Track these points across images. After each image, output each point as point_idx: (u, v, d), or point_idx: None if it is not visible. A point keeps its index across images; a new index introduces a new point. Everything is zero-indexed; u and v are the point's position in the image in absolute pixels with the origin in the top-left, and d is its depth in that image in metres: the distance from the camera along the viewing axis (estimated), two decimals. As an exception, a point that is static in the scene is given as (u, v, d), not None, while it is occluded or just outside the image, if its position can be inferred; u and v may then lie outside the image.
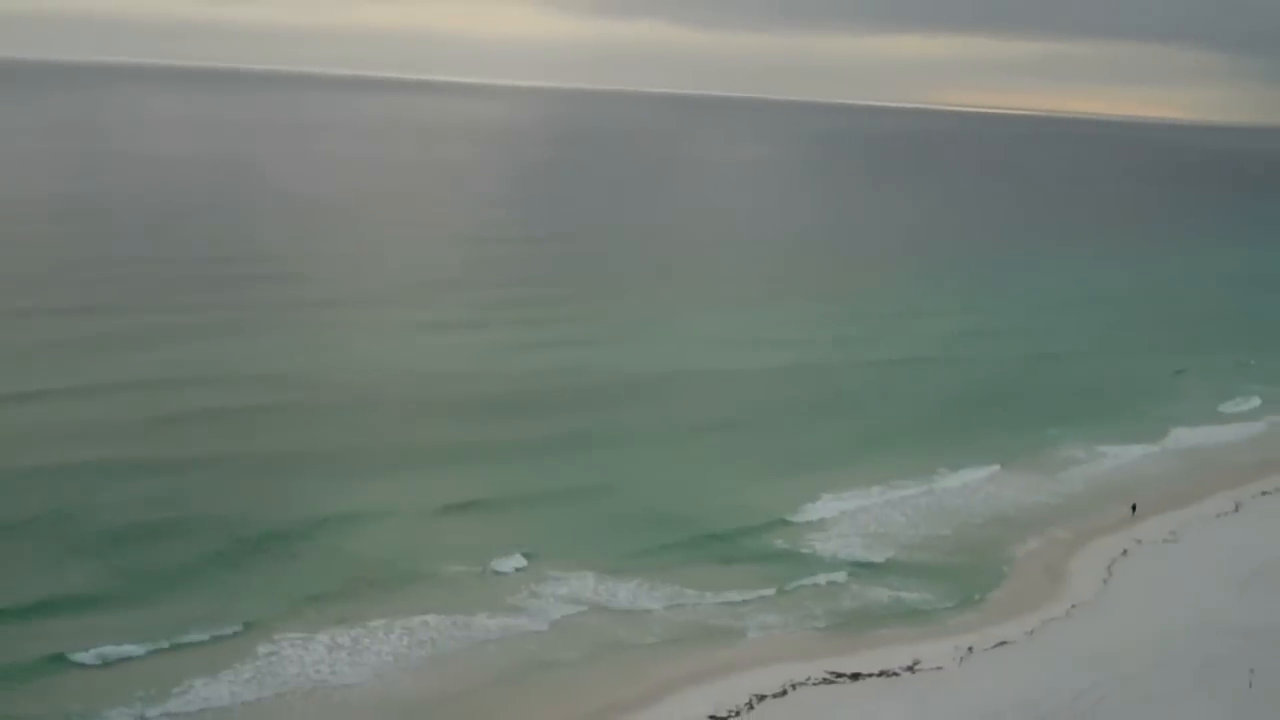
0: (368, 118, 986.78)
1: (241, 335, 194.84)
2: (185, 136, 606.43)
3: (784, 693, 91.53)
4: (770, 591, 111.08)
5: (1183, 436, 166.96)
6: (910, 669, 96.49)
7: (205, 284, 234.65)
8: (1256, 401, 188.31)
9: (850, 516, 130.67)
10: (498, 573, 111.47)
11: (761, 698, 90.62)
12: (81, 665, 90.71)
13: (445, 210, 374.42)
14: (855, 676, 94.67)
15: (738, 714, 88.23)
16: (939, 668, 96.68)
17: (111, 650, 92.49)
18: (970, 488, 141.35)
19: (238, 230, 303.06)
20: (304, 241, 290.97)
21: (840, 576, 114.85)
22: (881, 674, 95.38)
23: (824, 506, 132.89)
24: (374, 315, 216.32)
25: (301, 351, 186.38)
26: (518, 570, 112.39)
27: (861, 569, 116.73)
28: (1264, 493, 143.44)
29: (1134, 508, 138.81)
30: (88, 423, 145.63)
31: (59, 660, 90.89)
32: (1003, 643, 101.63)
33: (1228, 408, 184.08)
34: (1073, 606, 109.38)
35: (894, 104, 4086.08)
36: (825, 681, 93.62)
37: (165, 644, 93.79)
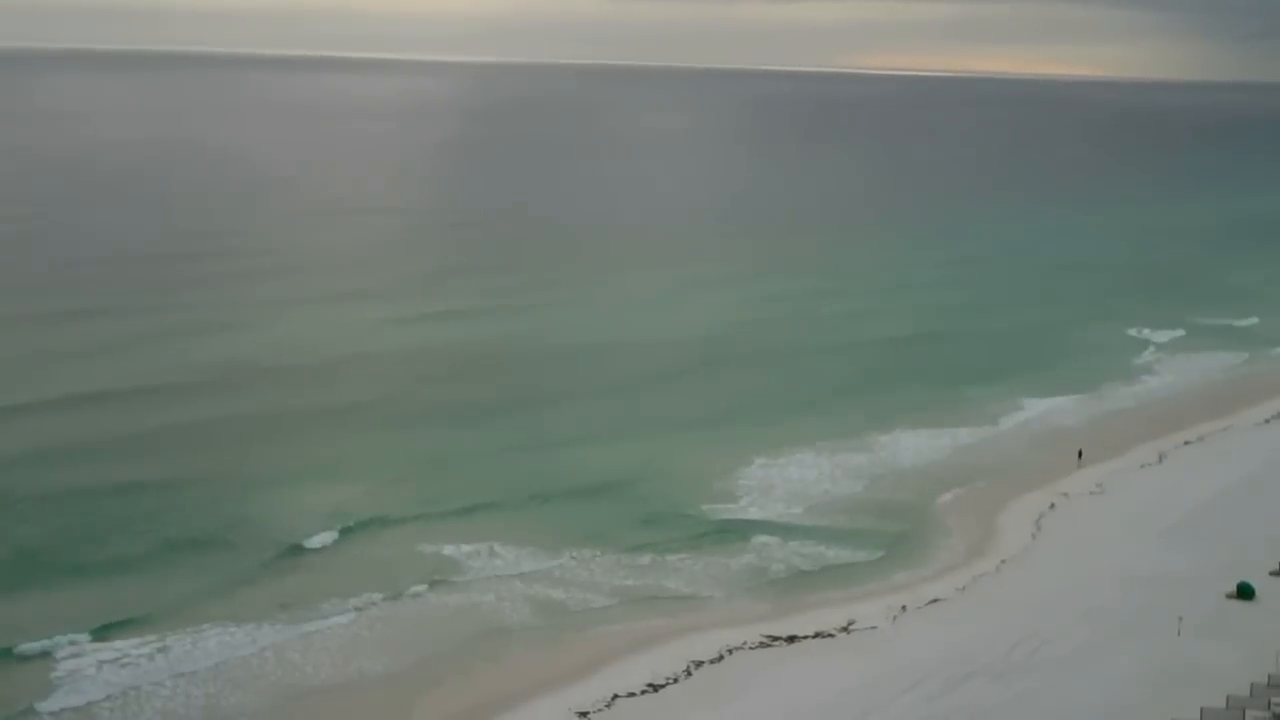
0: (295, 97, 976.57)
1: (169, 314, 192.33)
2: (101, 122, 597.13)
3: (721, 658, 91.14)
4: (705, 555, 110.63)
5: (1107, 389, 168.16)
6: (845, 630, 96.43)
7: (132, 262, 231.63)
8: (1176, 353, 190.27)
9: (783, 480, 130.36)
10: (431, 545, 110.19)
11: (699, 664, 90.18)
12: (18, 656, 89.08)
13: (371, 187, 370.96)
14: (791, 639, 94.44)
15: (676, 681, 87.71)
16: (873, 627, 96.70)
17: (45, 641, 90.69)
18: (901, 447, 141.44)
19: (162, 212, 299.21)
20: (227, 221, 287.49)
21: (774, 540, 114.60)
22: (817, 635, 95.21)
23: (757, 471, 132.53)
24: (297, 289, 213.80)
25: (228, 329, 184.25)
26: (452, 542, 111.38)
27: (795, 532, 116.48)
28: (1186, 443, 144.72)
29: (1080, 454, 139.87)
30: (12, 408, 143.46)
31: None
32: (935, 600, 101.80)
33: (1150, 360, 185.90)
34: (1003, 562, 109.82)
35: (809, 69, 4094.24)
36: (762, 645, 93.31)
37: (98, 632, 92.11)
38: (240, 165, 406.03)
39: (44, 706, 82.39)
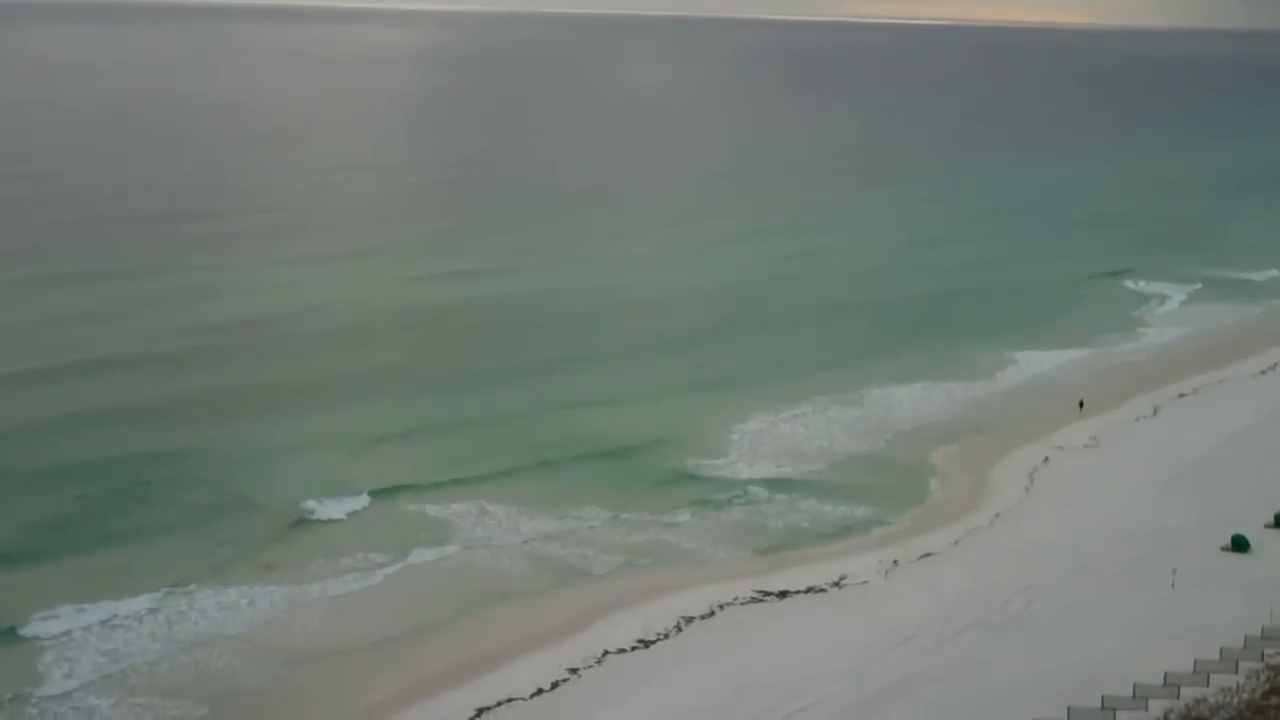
0: (285, 48, 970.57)
1: (163, 274, 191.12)
2: (92, 76, 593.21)
3: (712, 613, 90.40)
4: (698, 513, 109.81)
5: (1105, 343, 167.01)
6: (837, 584, 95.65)
7: (132, 223, 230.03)
8: (1174, 306, 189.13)
9: (777, 436, 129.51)
10: (432, 509, 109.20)
11: (690, 619, 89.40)
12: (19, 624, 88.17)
13: (371, 142, 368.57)
14: (783, 594, 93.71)
15: (666, 637, 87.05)
16: (865, 582, 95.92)
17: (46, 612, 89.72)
18: (896, 401, 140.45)
19: (162, 169, 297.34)
20: (228, 178, 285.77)
21: (767, 495, 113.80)
22: (809, 591, 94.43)
23: (752, 428, 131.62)
24: (300, 249, 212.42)
25: (230, 292, 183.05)
26: (451, 506, 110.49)
27: (789, 486, 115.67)
28: (1182, 395, 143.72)
29: (1081, 404, 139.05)
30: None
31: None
32: (928, 554, 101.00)
33: (1146, 313, 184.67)
34: (996, 515, 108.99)
35: (811, 18, 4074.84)
36: (753, 600, 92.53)
37: (98, 603, 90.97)
38: (237, 120, 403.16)
39: (44, 680, 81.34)
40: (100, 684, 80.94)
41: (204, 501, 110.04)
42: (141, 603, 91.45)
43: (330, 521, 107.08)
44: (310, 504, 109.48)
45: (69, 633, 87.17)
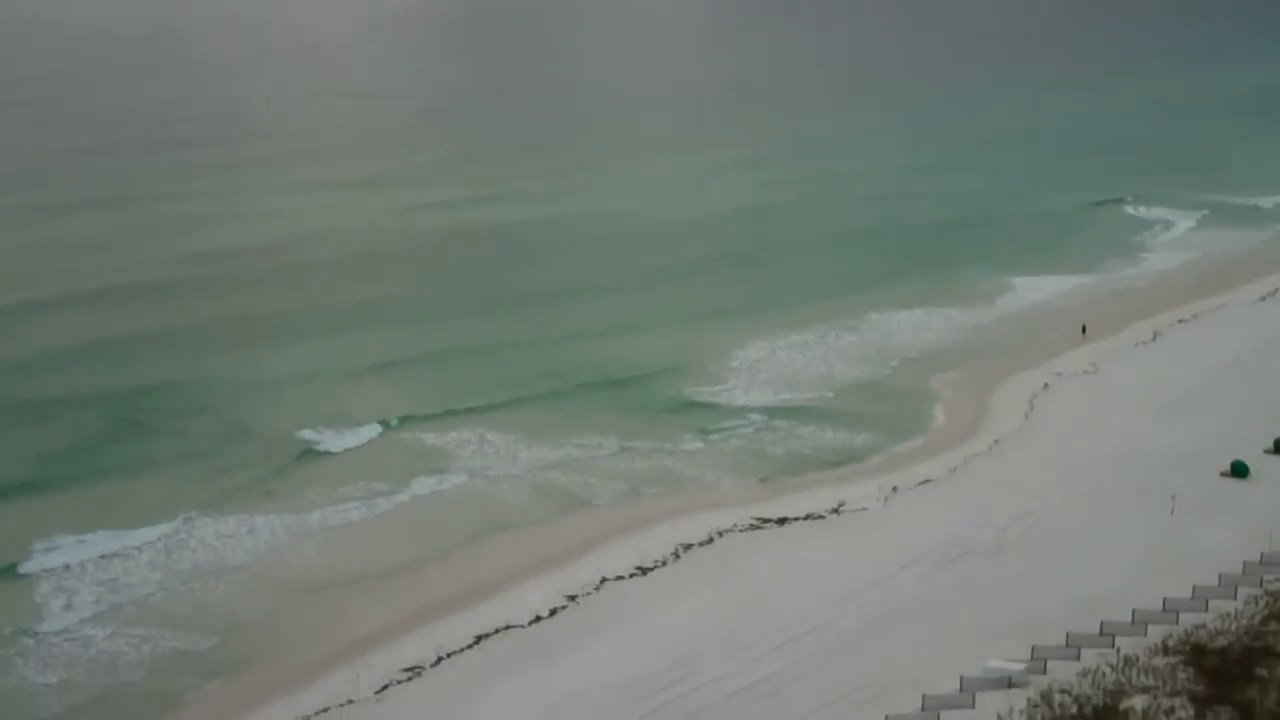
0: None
1: (162, 202, 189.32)
2: None
3: (711, 540, 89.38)
4: (698, 440, 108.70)
5: (1104, 269, 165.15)
6: (836, 511, 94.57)
7: (121, 150, 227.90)
8: (1176, 232, 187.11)
9: (777, 362, 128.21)
10: (436, 439, 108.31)
11: (688, 546, 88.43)
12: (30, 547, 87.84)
13: (377, 66, 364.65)
14: (782, 521, 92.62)
15: (665, 564, 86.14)
16: (864, 509, 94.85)
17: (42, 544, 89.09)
18: (896, 328, 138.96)
19: (162, 94, 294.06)
20: (231, 104, 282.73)
21: (767, 422, 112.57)
22: (808, 517, 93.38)
23: (752, 353, 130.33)
24: (290, 175, 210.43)
25: (235, 219, 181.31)
26: (443, 429, 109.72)
27: (788, 414, 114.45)
28: (1181, 321, 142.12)
29: (1084, 329, 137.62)
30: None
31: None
32: (927, 481, 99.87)
33: (1148, 239, 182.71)
34: (995, 442, 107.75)
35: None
36: (752, 528, 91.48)
37: (104, 532, 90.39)
38: (238, 42, 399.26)
39: (43, 612, 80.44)
40: (100, 616, 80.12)
41: (205, 432, 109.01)
42: (142, 534, 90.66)
43: (331, 451, 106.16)
44: (312, 434, 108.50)
45: (69, 565, 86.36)
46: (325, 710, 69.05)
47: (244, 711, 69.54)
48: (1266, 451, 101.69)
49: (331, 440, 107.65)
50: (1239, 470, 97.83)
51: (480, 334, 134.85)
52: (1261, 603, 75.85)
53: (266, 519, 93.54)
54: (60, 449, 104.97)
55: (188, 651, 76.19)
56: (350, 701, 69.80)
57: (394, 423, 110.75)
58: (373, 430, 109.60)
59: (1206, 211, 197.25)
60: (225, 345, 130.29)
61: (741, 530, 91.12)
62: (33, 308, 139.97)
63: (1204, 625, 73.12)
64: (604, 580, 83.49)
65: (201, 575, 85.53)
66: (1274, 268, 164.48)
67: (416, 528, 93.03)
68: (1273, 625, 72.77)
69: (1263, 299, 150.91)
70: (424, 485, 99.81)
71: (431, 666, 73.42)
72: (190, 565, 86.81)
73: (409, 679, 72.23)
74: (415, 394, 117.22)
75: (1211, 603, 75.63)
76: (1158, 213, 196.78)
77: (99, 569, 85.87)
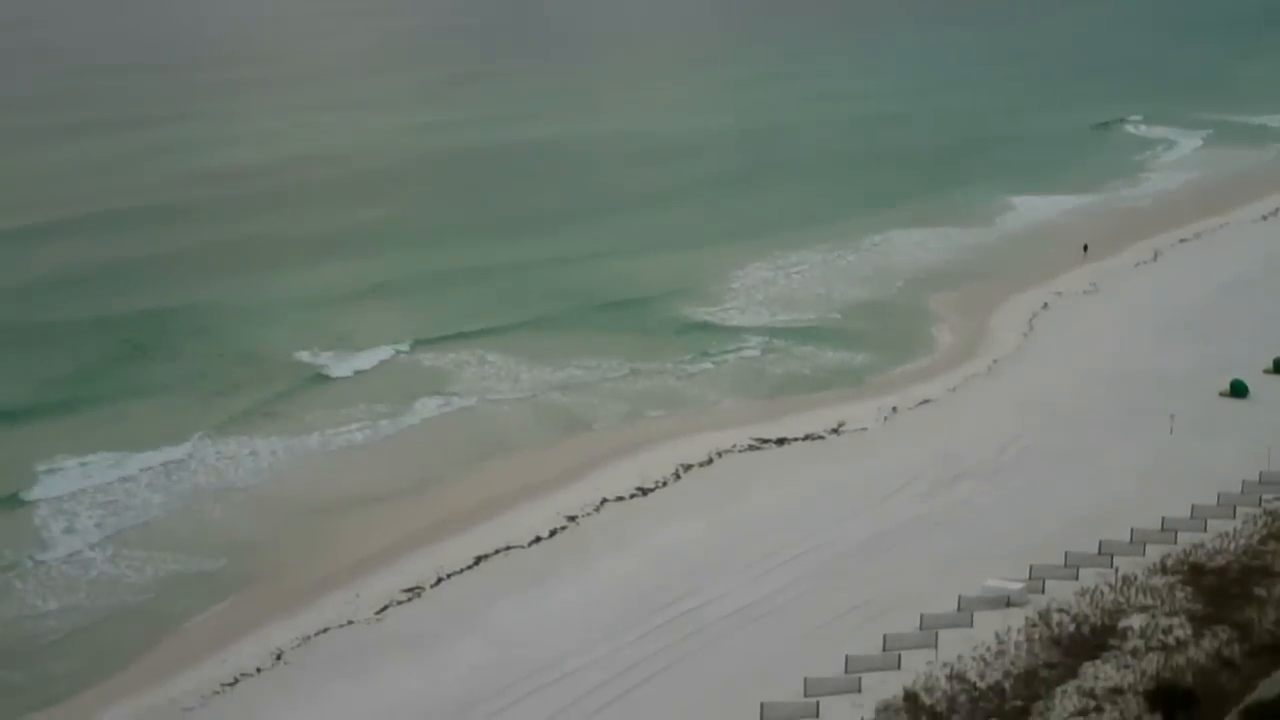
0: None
1: (161, 125, 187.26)
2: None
3: (710, 461, 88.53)
4: (698, 362, 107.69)
5: (1105, 188, 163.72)
6: (835, 431, 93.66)
7: (117, 73, 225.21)
8: (1179, 151, 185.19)
9: (778, 283, 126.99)
10: (424, 356, 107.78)
11: (688, 467, 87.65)
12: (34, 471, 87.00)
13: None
14: (781, 442, 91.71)
15: (664, 484, 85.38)
16: (863, 429, 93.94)
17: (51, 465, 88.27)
18: (896, 249, 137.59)
19: (162, 15, 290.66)
20: (230, 26, 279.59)
21: (767, 343, 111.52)
22: (807, 438, 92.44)
23: (752, 274, 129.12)
24: (290, 98, 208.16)
25: (238, 142, 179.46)
26: (444, 352, 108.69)
27: (788, 334, 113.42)
28: (1182, 240, 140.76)
29: (1085, 247, 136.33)
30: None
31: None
32: (926, 401, 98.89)
33: (1150, 158, 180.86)
34: (994, 362, 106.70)
35: None
36: (751, 448, 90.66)
37: (109, 456, 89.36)
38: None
39: (45, 535, 79.65)
40: (102, 540, 79.15)
41: (207, 356, 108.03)
42: (145, 457, 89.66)
43: (334, 374, 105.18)
44: (315, 357, 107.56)
45: (71, 488, 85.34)
46: (325, 630, 68.53)
47: (245, 632, 68.93)
48: (1266, 371, 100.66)
49: (334, 364, 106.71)
50: (1238, 390, 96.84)
51: (482, 257, 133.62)
52: (1260, 522, 75.01)
53: (268, 442, 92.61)
54: (63, 373, 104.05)
55: (189, 574, 75.50)
56: (350, 622, 69.25)
57: (397, 346, 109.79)
58: (375, 354, 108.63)
59: (1211, 131, 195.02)
60: (227, 269, 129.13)
61: (741, 451, 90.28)
62: (34, 232, 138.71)
63: (1202, 545, 72.32)
64: (604, 501, 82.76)
65: (204, 498, 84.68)
66: (1277, 187, 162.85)
67: (418, 450, 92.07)
68: (1271, 545, 71.94)
69: (1264, 218, 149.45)
70: (426, 408, 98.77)
71: (431, 587, 72.82)
72: (192, 488, 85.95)
73: (409, 599, 71.63)
74: (417, 317, 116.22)
75: (1210, 522, 74.84)
76: (1161, 132, 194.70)
77: (101, 492, 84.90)
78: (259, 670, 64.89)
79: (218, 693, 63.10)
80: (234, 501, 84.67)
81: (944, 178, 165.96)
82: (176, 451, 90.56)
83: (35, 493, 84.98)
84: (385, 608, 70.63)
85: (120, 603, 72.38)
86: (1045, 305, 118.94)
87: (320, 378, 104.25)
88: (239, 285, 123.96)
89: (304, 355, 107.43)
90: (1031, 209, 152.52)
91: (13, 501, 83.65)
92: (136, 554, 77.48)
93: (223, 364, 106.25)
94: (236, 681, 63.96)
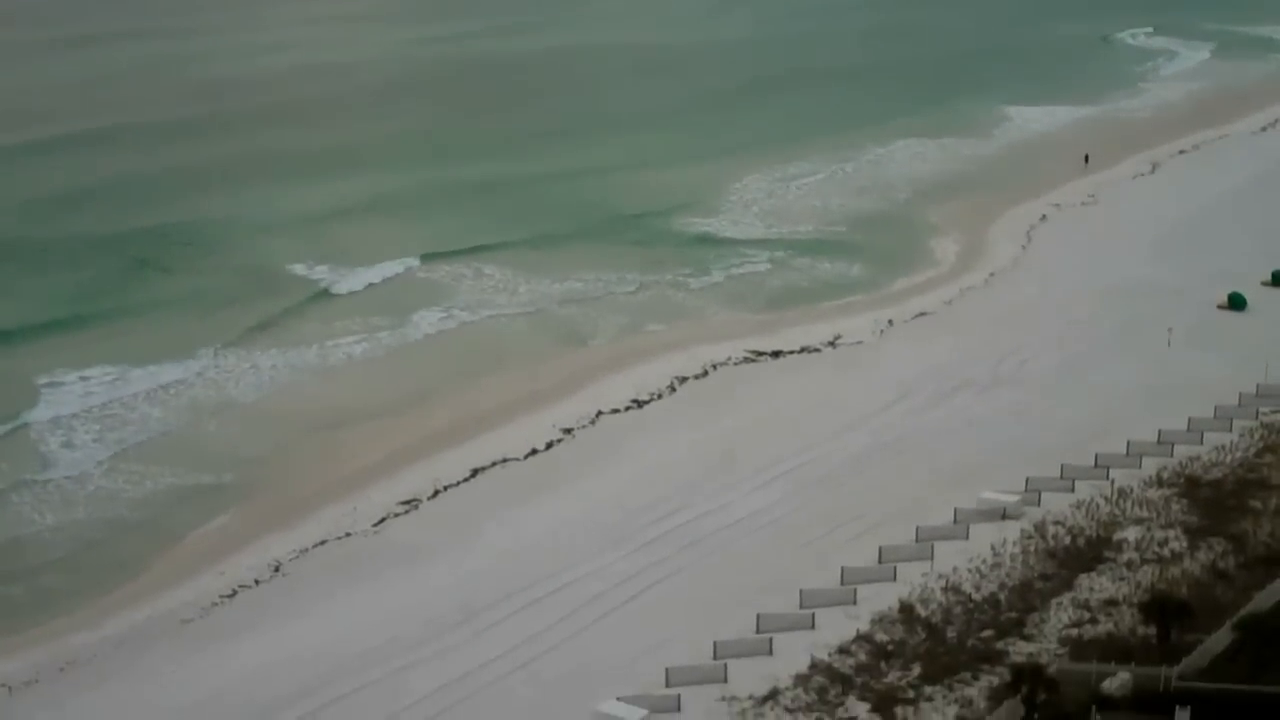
0: None
1: (165, 38, 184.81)
2: None
3: (705, 374, 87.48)
4: (694, 275, 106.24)
5: (1104, 100, 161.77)
6: (831, 344, 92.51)
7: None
8: (1180, 65, 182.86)
9: (775, 196, 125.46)
10: (424, 270, 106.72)
11: (683, 380, 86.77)
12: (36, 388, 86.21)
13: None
14: (777, 354, 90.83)
15: (659, 397, 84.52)
16: (859, 342, 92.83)
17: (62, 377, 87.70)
18: (894, 161, 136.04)
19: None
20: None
21: (763, 256, 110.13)
22: (803, 350, 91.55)
23: (749, 187, 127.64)
24: (293, 9, 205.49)
25: (240, 55, 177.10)
26: (444, 266, 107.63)
27: (785, 247, 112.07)
28: (1181, 152, 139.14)
29: (1086, 158, 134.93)
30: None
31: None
32: (923, 314, 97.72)
33: (1150, 70, 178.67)
34: (991, 274, 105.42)
35: None
36: (746, 361, 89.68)
37: (114, 370, 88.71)
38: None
39: (45, 450, 79.16)
40: (101, 455, 78.29)
41: (207, 271, 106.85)
42: (145, 372, 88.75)
43: (335, 289, 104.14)
44: (313, 271, 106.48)
45: (71, 404, 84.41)
46: (323, 543, 68.08)
47: (243, 545, 68.45)
48: (1264, 284, 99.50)
49: (335, 278, 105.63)
50: (1236, 302, 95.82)
51: (484, 172, 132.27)
52: (1256, 435, 74.16)
53: (268, 356, 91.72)
54: (66, 289, 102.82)
55: (188, 488, 74.65)
56: (348, 534, 68.78)
57: (397, 261, 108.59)
58: (376, 268, 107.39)
59: (1214, 43, 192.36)
60: (228, 184, 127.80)
61: (736, 364, 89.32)
62: (35, 148, 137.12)
63: (1198, 457, 71.55)
64: (599, 414, 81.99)
65: (204, 413, 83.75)
66: (1277, 98, 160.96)
67: (418, 364, 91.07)
68: (1267, 457, 71.10)
69: (1264, 129, 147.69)
70: (426, 322, 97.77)
71: (428, 500, 72.28)
72: (192, 403, 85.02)
73: (406, 512, 71.18)
74: (419, 232, 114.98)
75: (1206, 435, 74.01)
76: (1162, 43, 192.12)
77: (101, 408, 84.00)
78: (257, 582, 64.53)
79: (216, 604, 62.73)
80: (234, 416, 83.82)
81: (945, 90, 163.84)
82: (177, 367, 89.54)
83: (35, 408, 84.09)
84: (383, 520, 70.19)
85: (119, 517, 71.78)
86: (1043, 217, 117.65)
87: (321, 292, 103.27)
88: (240, 201, 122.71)
89: (304, 270, 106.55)
90: (1033, 120, 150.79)
91: (13, 418, 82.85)
92: (136, 469, 76.76)
93: (224, 279, 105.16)
94: (235, 594, 63.57)
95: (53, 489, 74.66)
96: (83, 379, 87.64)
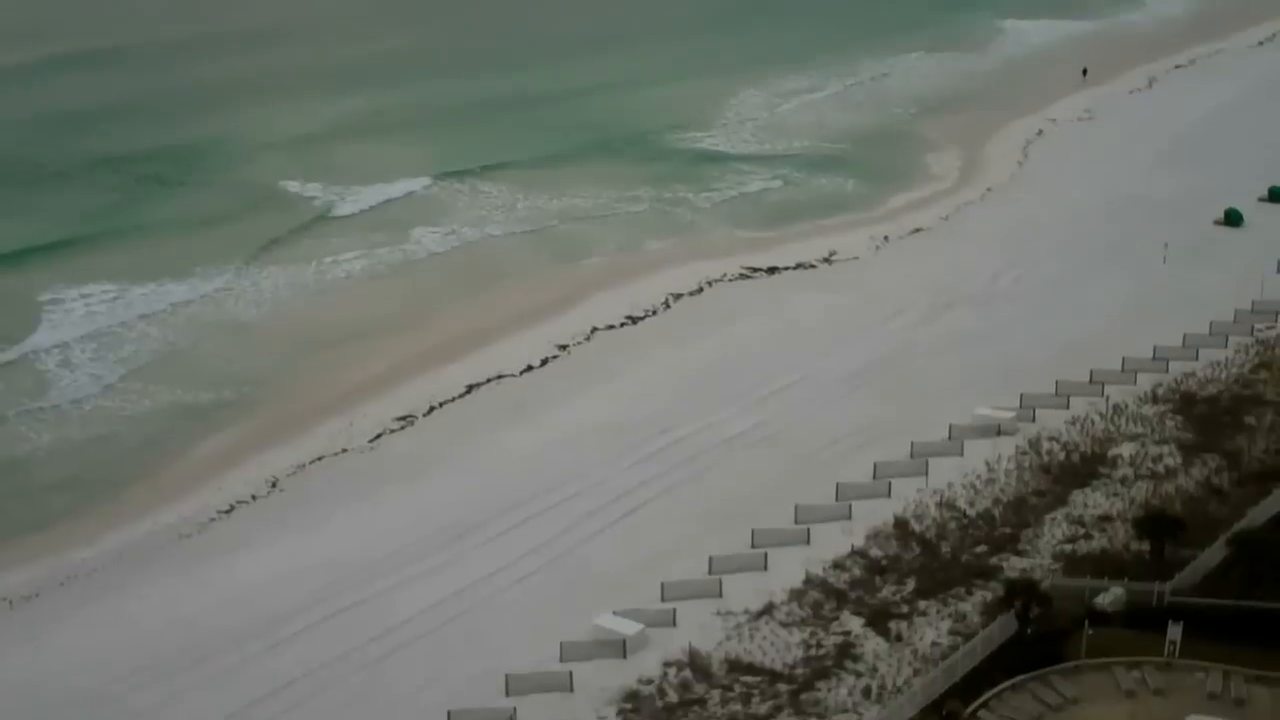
0: None
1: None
2: None
3: (700, 290, 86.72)
4: (691, 190, 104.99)
5: (1101, 14, 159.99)
6: (827, 260, 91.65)
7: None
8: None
9: (770, 112, 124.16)
10: (423, 189, 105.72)
11: (678, 296, 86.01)
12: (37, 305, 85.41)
13: None
14: (772, 270, 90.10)
15: (654, 313, 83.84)
16: (855, 258, 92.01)
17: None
18: (893, 76, 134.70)
19: None
20: None
21: (759, 172, 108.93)
22: (798, 266, 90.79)
23: (746, 104, 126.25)
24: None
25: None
26: (442, 185, 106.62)
27: (781, 163, 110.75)
28: (1178, 66, 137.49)
29: (1085, 71, 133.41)
30: None
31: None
32: (919, 230, 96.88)
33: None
34: (988, 190, 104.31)
35: None
36: (741, 277, 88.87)
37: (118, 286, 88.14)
38: None
39: (48, 370, 78.74)
40: (100, 373, 77.72)
41: (207, 191, 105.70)
42: (144, 290, 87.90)
43: (335, 207, 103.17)
44: (312, 190, 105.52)
45: (70, 323, 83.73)
46: (320, 459, 67.83)
47: (242, 461, 68.05)
48: (1261, 200, 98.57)
49: (335, 199, 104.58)
50: (1233, 218, 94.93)
51: (482, 90, 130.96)
52: (1252, 351, 73.52)
53: (267, 275, 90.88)
54: (67, 209, 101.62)
55: (187, 406, 73.98)
56: (344, 450, 68.44)
57: (393, 181, 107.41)
58: (377, 188, 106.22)
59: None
60: (228, 104, 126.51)
61: (731, 280, 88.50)
62: (33, 69, 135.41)
63: (1194, 373, 70.97)
64: (594, 330, 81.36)
65: (203, 331, 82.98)
66: (1275, 13, 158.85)
67: (417, 281, 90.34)
68: (1262, 373, 70.73)
69: (1260, 44, 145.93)
70: (424, 241, 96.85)
71: (424, 416, 71.83)
72: (191, 321, 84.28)
73: (401, 428, 70.84)
74: (417, 150, 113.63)
75: (1202, 351, 73.39)
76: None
77: (101, 328, 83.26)
78: (254, 498, 64.26)
79: (214, 520, 62.49)
80: (234, 334, 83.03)
81: (943, 4, 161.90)
82: (178, 286, 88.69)
83: (34, 327, 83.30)
84: (379, 436, 69.80)
85: (117, 435, 71.20)
86: (1040, 133, 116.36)
87: (321, 211, 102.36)
88: (238, 121, 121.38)
89: (302, 188, 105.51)
90: (1031, 35, 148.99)
91: (13, 337, 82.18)
92: (134, 387, 76.08)
93: (223, 198, 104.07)
94: (232, 509, 63.30)
95: (49, 408, 74.03)
96: (83, 296, 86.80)
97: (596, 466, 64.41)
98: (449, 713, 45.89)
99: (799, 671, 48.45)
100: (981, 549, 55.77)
